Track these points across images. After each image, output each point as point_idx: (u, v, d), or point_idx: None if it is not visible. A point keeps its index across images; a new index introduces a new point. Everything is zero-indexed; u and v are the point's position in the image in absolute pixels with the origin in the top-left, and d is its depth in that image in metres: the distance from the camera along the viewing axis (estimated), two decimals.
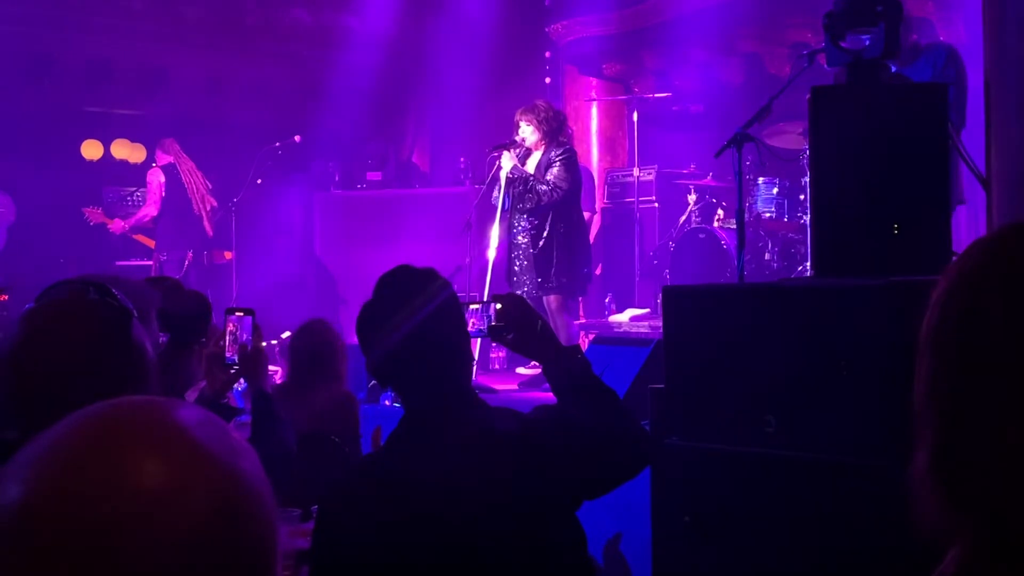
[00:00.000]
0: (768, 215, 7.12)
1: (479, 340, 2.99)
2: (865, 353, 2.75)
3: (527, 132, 6.29)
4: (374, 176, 9.45)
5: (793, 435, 2.90)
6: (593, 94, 9.47)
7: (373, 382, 5.61)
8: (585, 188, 7.09)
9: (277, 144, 8.68)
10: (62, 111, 9.43)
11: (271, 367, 4.03)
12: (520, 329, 2.28)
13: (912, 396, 0.97)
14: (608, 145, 9.49)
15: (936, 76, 5.18)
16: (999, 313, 0.91)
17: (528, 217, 6.30)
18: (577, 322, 7.27)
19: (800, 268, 6.70)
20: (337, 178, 9.41)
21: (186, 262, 8.36)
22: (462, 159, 9.19)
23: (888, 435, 2.61)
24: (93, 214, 8.63)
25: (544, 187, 6.17)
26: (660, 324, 3.62)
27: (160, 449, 0.73)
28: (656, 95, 8.75)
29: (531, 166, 6.31)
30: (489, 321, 2.35)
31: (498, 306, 2.31)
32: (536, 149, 6.33)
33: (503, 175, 6.25)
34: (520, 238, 6.34)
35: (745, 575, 2.99)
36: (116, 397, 0.79)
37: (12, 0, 8.65)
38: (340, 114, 9.46)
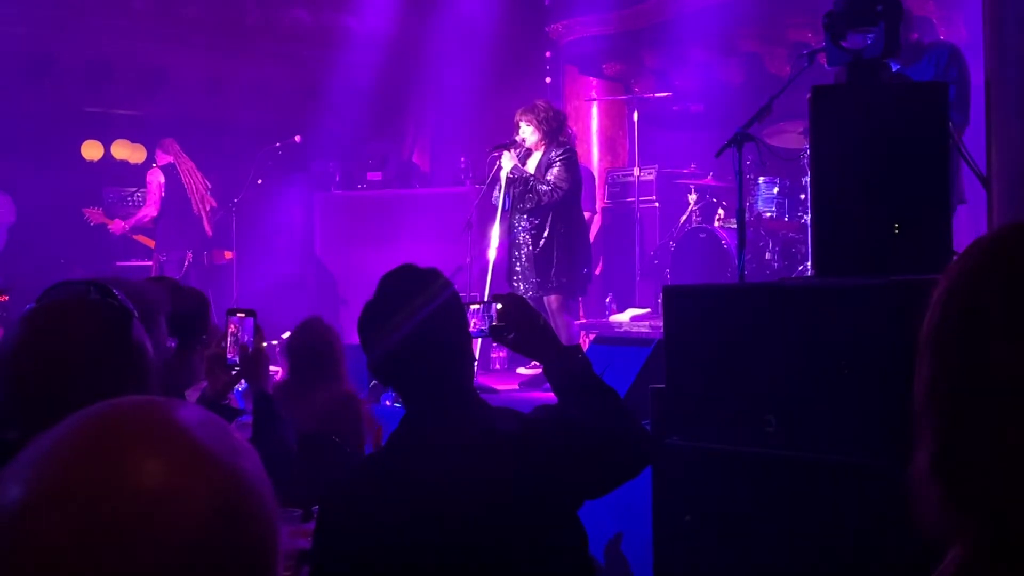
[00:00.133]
0: (769, 215, 7.11)
1: (480, 340, 2.98)
2: (865, 353, 2.75)
3: (527, 132, 6.29)
4: (374, 176, 9.44)
5: (793, 435, 2.91)
6: (593, 94, 9.47)
7: (374, 382, 5.61)
8: (585, 188, 7.09)
9: (277, 144, 8.68)
10: (62, 111, 9.43)
11: (272, 367, 4.02)
12: (521, 329, 2.28)
13: (912, 396, 0.96)
14: (608, 145, 9.49)
15: (939, 75, 5.17)
16: (999, 313, 0.91)
17: (528, 217, 6.30)
18: (578, 322, 7.27)
19: (801, 268, 6.70)
20: (337, 178, 9.41)
21: (186, 262, 8.37)
22: (462, 159, 9.19)
23: (888, 435, 2.62)
24: (93, 214, 8.63)
25: (544, 187, 6.17)
26: (661, 324, 3.62)
27: (161, 449, 0.73)
28: (656, 95, 8.75)
29: (531, 166, 6.31)
30: (490, 321, 2.35)
31: (499, 306, 2.31)
32: (536, 149, 6.33)
33: (503, 175, 6.25)
34: (521, 238, 6.34)
35: (746, 574, 2.99)
36: (116, 397, 0.79)
37: (12, 0, 8.65)
38: (340, 114, 9.46)
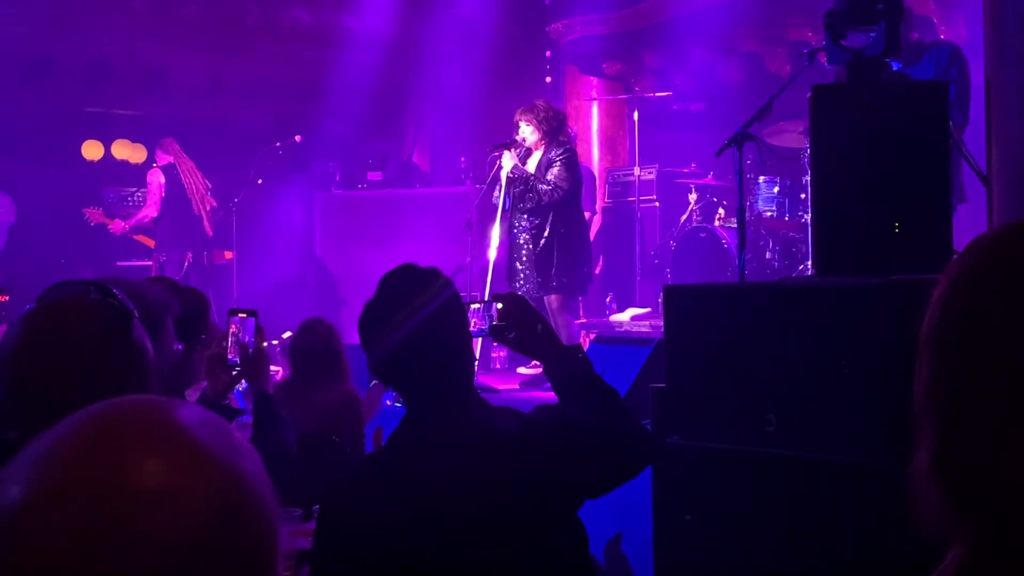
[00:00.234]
0: (769, 214, 7.11)
1: (480, 340, 2.98)
2: (866, 352, 2.75)
3: (527, 132, 6.29)
4: (374, 176, 9.44)
5: (794, 434, 2.90)
6: (594, 93, 9.47)
7: (375, 381, 5.61)
8: (586, 187, 7.09)
9: (277, 144, 8.68)
10: (62, 111, 9.43)
11: (272, 367, 4.02)
12: (521, 328, 2.28)
13: (912, 396, 0.96)
14: (609, 144, 9.49)
15: (939, 75, 5.17)
16: (999, 312, 0.91)
17: (529, 217, 6.30)
18: (578, 321, 7.27)
19: (801, 267, 6.70)
20: (337, 178, 9.41)
21: (186, 262, 8.36)
22: (462, 159, 9.19)
23: (888, 435, 2.61)
24: (93, 215, 8.63)
25: (545, 187, 6.17)
26: (661, 323, 3.62)
27: (161, 449, 0.73)
28: (657, 94, 8.75)
29: (531, 166, 6.31)
30: (490, 321, 2.35)
31: (499, 306, 2.31)
32: (536, 149, 6.33)
33: (504, 175, 6.25)
34: (521, 238, 6.34)
35: (746, 574, 2.99)
36: (116, 397, 0.79)
37: (12, 0, 8.65)
38: (340, 114, 9.46)
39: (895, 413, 2.47)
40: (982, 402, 0.90)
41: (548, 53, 9.97)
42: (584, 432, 2.12)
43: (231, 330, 2.72)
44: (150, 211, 8.46)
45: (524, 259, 6.32)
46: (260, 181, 8.72)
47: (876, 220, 3.31)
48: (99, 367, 1.54)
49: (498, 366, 7.87)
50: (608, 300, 8.24)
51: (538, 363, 2.39)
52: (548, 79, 9.99)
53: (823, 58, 3.83)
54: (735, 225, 5.33)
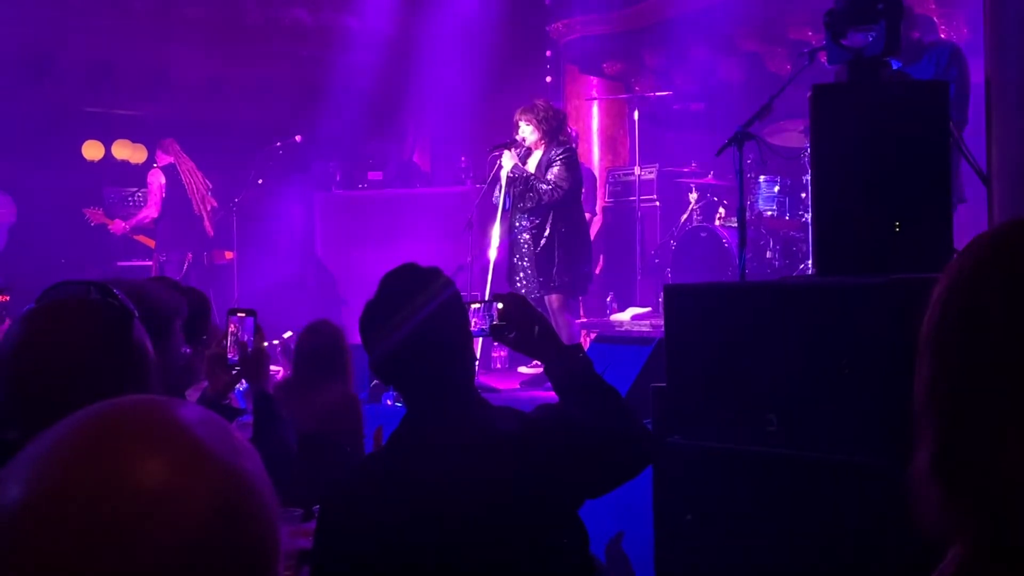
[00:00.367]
0: (769, 213, 7.11)
1: (481, 339, 2.98)
2: (866, 352, 2.75)
3: (527, 131, 6.29)
4: (375, 176, 9.45)
5: (794, 434, 2.90)
6: (594, 93, 9.47)
7: (375, 381, 5.61)
8: (586, 187, 7.09)
9: (278, 144, 8.69)
10: (62, 111, 9.44)
11: (272, 367, 4.02)
12: (522, 328, 2.28)
13: (912, 396, 0.96)
14: (609, 144, 9.50)
15: (939, 74, 5.17)
16: (1000, 312, 0.91)
17: (529, 216, 6.30)
18: (578, 321, 7.27)
19: (801, 266, 6.70)
20: (338, 178, 9.41)
21: (186, 263, 8.37)
22: (463, 158, 9.19)
23: (888, 435, 2.61)
24: (94, 215, 8.63)
25: (545, 186, 6.17)
26: (662, 323, 3.62)
27: (161, 449, 0.73)
28: (657, 94, 8.76)
29: (532, 165, 6.31)
30: (491, 320, 2.35)
31: (500, 305, 2.31)
32: (536, 148, 6.33)
33: (504, 174, 6.25)
34: (521, 237, 6.34)
35: (746, 573, 2.99)
36: (116, 397, 0.79)
37: (12, 0, 8.65)
38: (340, 114, 9.46)
39: (895, 413, 2.47)
40: (982, 402, 0.90)
41: (548, 53, 9.98)
42: (584, 432, 2.12)
43: (230, 329, 2.72)
44: (150, 211, 8.46)
45: (524, 259, 6.32)
46: (260, 181, 8.72)
47: (876, 219, 3.30)
48: (99, 367, 1.54)
49: (499, 366, 7.87)
50: (608, 300, 8.24)
51: (539, 363, 2.39)
52: (548, 79, 10.00)
53: (823, 57, 3.82)
54: (735, 224, 5.33)
